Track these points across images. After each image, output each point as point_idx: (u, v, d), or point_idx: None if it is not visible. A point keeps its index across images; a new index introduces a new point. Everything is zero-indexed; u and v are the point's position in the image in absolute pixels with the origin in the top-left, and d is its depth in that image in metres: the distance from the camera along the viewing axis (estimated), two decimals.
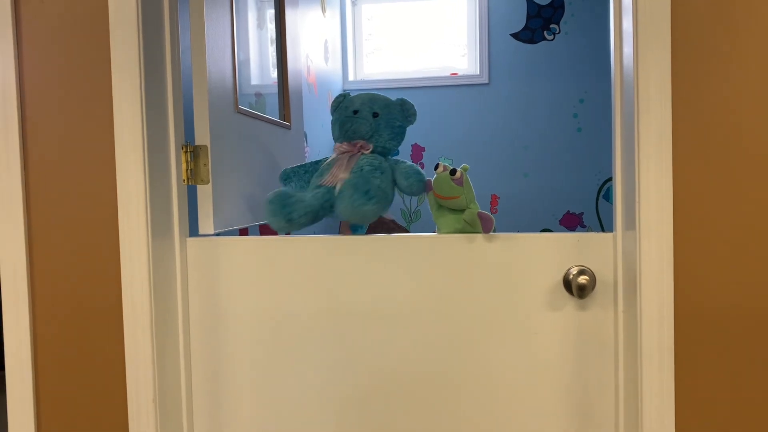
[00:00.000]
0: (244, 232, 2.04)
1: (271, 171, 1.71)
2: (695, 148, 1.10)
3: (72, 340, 1.27)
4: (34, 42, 1.24)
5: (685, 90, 1.09)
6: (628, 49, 1.12)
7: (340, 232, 1.71)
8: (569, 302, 1.22)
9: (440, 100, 3.60)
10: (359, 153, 1.38)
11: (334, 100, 1.49)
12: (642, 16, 1.08)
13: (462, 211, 1.28)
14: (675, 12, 1.09)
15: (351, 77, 3.69)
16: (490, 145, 3.56)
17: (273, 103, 1.95)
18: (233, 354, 1.32)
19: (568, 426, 1.24)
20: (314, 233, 2.43)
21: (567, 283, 1.22)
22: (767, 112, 1.08)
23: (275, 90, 2.02)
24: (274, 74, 2.02)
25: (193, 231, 1.35)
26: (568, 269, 1.22)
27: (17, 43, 1.24)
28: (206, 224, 1.33)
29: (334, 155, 1.42)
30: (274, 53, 2.02)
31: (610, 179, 3.43)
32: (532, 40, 3.51)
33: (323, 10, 3.20)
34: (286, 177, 1.49)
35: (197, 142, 1.33)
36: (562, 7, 3.47)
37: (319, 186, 1.37)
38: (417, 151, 3.63)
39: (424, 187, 1.37)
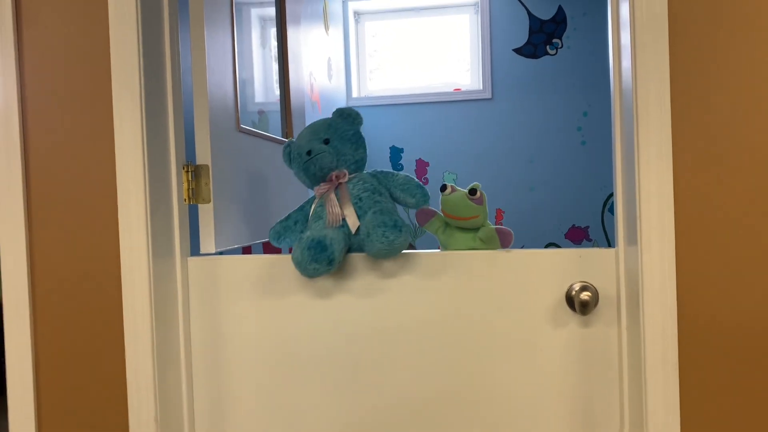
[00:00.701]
0: (247, 250, 2.04)
1: (273, 189, 1.72)
2: (696, 161, 1.09)
3: (73, 360, 1.27)
4: (36, 61, 1.25)
5: (685, 103, 1.09)
6: (626, 63, 1.12)
7: None
8: (572, 319, 1.22)
9: (444, 115, 3.61)
10: (340, 183, 1.30)
11: (284, 153, 1.40)
12: (639, 30, 1.08)
13: (474, 229, 1.27)
14: (673, 25, 1.09)
15: (355, 94, 3.71)
16: (494, 159, 3.56)
17: (276, 120, 1.96)
18: (236, 374, 1.32)
19: None
20: None
21: (569, 300, 1.21)
22: None
23: (278, 108, 2.03)
24: (277, 92, 2.03)
25: (195, 250, 1.35)
26: (571, 285, 1.21)
27: (19, 63, 1.25)
28: (208, 243, 1.33)
29: (317, 199, 1.32)
30: (277, 71, 2.04)
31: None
32: (534, 55, 3.52)
33: (326, 27, 3.23)
34: (278, 236, 1.35)
35: (198, 162, 1.33)
36: (564, 21, 3.48)
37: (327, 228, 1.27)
38: (421, 166, 3.64)
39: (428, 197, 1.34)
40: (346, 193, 1.28)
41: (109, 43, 1.21)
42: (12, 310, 1.26)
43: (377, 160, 3.55)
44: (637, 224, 1.09)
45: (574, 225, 3.51)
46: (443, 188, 1.28)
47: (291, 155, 1.38)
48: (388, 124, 3.58)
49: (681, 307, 1.10)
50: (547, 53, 3.51)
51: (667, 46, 1.08)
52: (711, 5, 1.08)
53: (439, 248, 1.33)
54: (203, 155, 1.33)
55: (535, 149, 3.53)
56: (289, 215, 1.37)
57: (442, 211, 1.29)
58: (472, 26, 3.71)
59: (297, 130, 2.06)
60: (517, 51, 3.54)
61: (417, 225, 3.54)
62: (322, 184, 1.32)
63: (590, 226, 3.50)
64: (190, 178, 1.31)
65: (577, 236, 3.50)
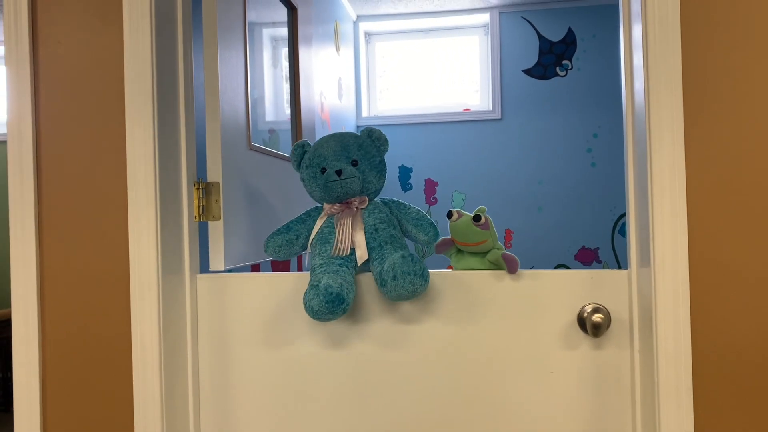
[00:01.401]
0: (255, 267, 2.04)
1: (283, 208, 1.72)
2: (710, 183, 1.08)
3: (80, 375, 1.26)
4: (51, 78, 1.26)
5: (698, 124, 1.08)
6: (639, 84, 1.12)
7: None
8: (584, 341, 1.20)
9: (453, 135, 3.62)
10: (358, 211, 1.26)
11: (294, 152, 1.32)
12: (652, 52, 1.08)
13: (484, 252, 1.26)
14: (686, 47, 1.09)
15: (365, 113, 3.73)
16: (503, 180, 3.56)
17: (286, 139, 1.97)
18: (243, 392, 1.30)
19: None
20: None
21: (581, 321, 1.19)
22: None
23: (288, 126, 2.04)
24: (288, 111, 2.04)
25: (204, 267, 1.35)
26: (583, 307, 1.19)
27: (34, 83, 1.27)
28: (217, 260, 1.33)
29: (324, 216, 1.28)
30: (288, 90, 2.05)
31: (624, 214, 3.40)
32: (544, 76, 3.53)
33: (337, 48, 3.25)
34: (279, 250, 1.28)
35: (209, 179, 1.34)
36: (574, 43, 3.50)
37: (334, 258, 1.23)
38: (430, 186, 3.64)
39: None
40: (360, 221, 1.25)
41: (123, 60, 1.23)
42: (21, 325, 1.26)
43: (387, 179, 3.56)
44: (651, 246, 1.08)
45: (583, 246, 3.48)
46: (449, 215, 1.28)
47: (304, 162, 1.30)
48: (397, 143, 3.59)
49: (695, 331, 1.08)
50: (557, 74, 3.52)
51: (681, 68, 1.08)
52: (724, 27, 1.08)
53: (450, 267, 1.32)
54: (214, 172, 1.33)
55: (545, 170, 3.52)
56: (289, 226, 1.30)
57: (452, 238, 1.29)
58: (482, 47, 3.73)
59: None
60: (527, 72, 3.55)
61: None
62: (336, 204, 1.27)
63: (600, 247, 3.48)
64: (200, 195, 1.31)
65: (587, 258, 3.48)
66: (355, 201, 1.26)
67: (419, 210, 1.32)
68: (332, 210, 1.26)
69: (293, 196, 1.81)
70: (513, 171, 3.55)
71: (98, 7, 1.24)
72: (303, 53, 2.15)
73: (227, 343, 1.31)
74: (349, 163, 1.26)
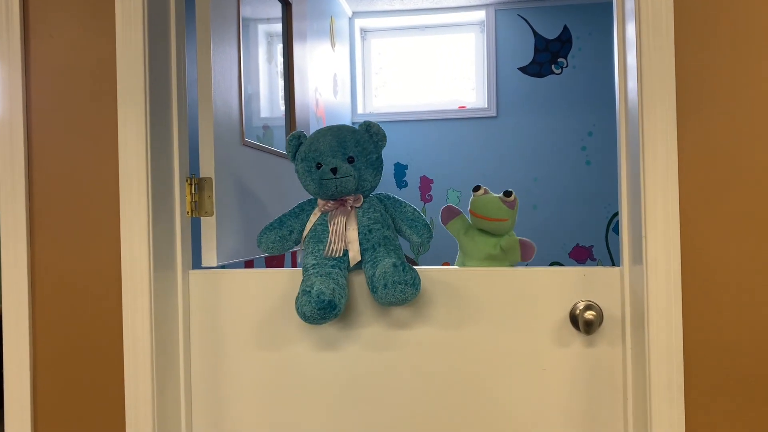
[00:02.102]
0: (249, 263, 2.04)
1: (277, 204, 1.72)
2: (702, 181, 1.08)
3: (71, 372, 1.26)
4: (43, 72, 1.26)
5: (691, 123, 1.09)
6: (632, 83, 1.12)
7: None
8: (576, 338, 1.20)
9: (449, 132, 3.62)
10: (352, 210, 1.24)
11: (290, 143, 1.30)
12: (646, 51, 1.08)
13: (496, 236, 1.26)
14: (679, 46, 1.09)
15: (360, 110, 3.72)
16: (498, 177, 3.56)
17: (281, 135, 1.97)
18: (236, 389, 1.30)
19: None
20: None
21: (574, 319, 1.19)
22: None
23: (283, 123, 2.04)
24: (283, 107, 2.04)
25: (197, 263, 1.35)
26: (575, 304, 1.20)
27: (26, 74, 1.26)
28: (209, 256, 1.33)
29: (318, 213, 1.26)
30: (283, 87, 2.05)
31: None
32: (540, 74, 3.53)
33: (333, 44, 3.25)
34: (273, 245, 1.27)
35: (202, 174, 1.33)
36: (569, 41, 3.50)
37: (326, 258, 1.22)
38: (425, 183, 3.64)
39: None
40: (354, 220, 1.23)
41: (115, 54, 1.22)
42: (11, 321, 1.25)
43: (382, 176, 3.56)
44: (643, 244, 1.08)
45: (578, 244, 3.49)
46: (476, 188, 1.27)
47: (299, 155, 1.27)
48: (392, 140, 3.58)
49: (687, 328, 1.08)
50: (552, 72, 3.52)
51: (674, 66, 1.08)
52: (718, 25, 1.08)
53: (445, 264, 1.32)
54: (207, 168, 1.33)
55: (540, 168, 3.52)
56: (282, 221, 1.28)
57: (470, 211, 1.28)
58: (478, 44, 3.73)
59: None
60: (522, 70, 3.55)
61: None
62: (330, 202, 1.25)
63: (594, 245, 3.48)
64: (193, 191, 1.31)
65: (581, 256, 3.48)
66: (350, 199, 1.25)
67: (415, 209, 1.30)
68: (326, 207, 1.25)
69: (287, 193, 1.81)
70: (508, 169, 3.55)
71: (90, 1, 1.23)
72: (297, 49, 2.14)
73: (220, 340, 1.30)
74: (345, 160, 1.24)
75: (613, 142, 3.44)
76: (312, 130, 2.52)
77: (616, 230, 3.43)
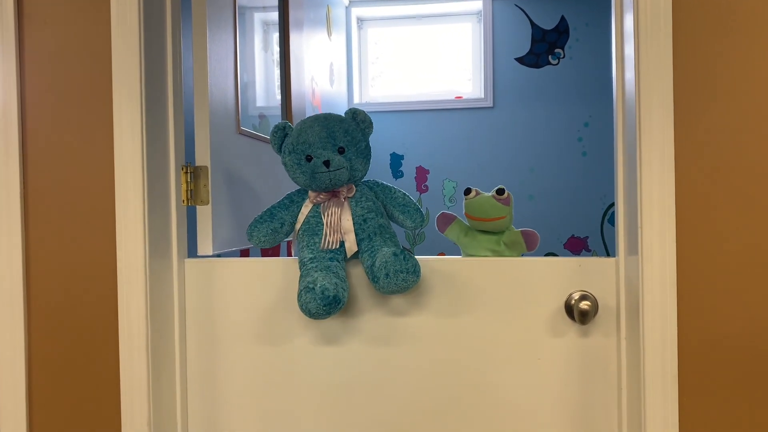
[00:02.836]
0: (245, 252, 2.03)
1: (273, 192, 1.71)
2: (698, 172, 1.09)
3: (66, 362, 1.25)
4: (37, 59, 1.25)
5: (688, 114, 1.09)
6: (629, 74, 1.12)
7: None
8: (571, 328, 1.21)
9: (445, 123, 3.61)
10: (345, 200, 1.23)
11: (274, 135, 1.27)
12: (644, 42, 1.08)
13: (497, 234, 1.26)
14: (677, 37, 1.09)
15: (356, 100, 3.71)
16: (494, 168, 3.55)
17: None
18: (232, 379, 1.30)
19: None
20: None
21: (569, 309, 1.20)
22: None
23: (279, 112, 2.03)
24: (279, 96, 2.03)
25: (192, 252, 1.34)
26: (570, 294, 1.20)
27: (20, 61, 1.25)
28: (205, 245, 1.32)
29: (309, 204, 1.25)
30: (279, 75, 2.03)
31: (614, 203, 3.42)
32: (536, 65, 3.52)
33: (329, 33, 3.23)
34: (265, 239, 1.25)
35: (198, 163, 1.33)
36: (566, 31, 3.49)
37: (323, 250, 1.21)
38: (421, 174, 3.63)
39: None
40: (348, 211, 1.22)
41: (110, 42, 1.21)
42: (6, 311, 1.25)
43: (378, 166, 3.55)
44: (639, 234, 1.09)
45: (573, 235, 3.50)
46: (467, 191, 1.27)
47: (286, 147, 1.25)
48: (388, 130, 3.57)
49: (681, 318, 1.09)
50: (549, 63, 3.51)
51: (671, 58, 1.08)
52: (716, 17, 1.08)
53: (440, 254, 1.32)
54: (203, 157, 1.33)
55: (536, 159, 3.52)
56: (273, 213, 1.26)
57: (466, 214, 1.28)
58: (475, 34, 3.71)
59: None
60: (519, 60, 3.54)
61: (415, 232, 3.53)
62: (322, 193, 1.24)
63: (590, 236, 3.49)
64: (188, 180, 1.30)
65: (577, 246, 3.49)
66: (343, 190, 1.24)
67: (405, 194, 1.30)
68: (318, 199, 1.24)
69: (283, 181, 1.80)
70: (504, 159, 3.55)
71: None
72: (294, 38, 2.13)
73: (215, 329, 1.30)
74: (335, 151, 1.22)
75: (609, 133, 3.44)
76: None
77: (612, 221, 3.43)
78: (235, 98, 1.51)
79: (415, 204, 1.29)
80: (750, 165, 1.08)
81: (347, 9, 3.69)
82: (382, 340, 1.26)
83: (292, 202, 1.28)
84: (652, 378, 1.08)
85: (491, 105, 3.55)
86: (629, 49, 1.12)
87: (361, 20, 3.81)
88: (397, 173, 3.65)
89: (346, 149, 1.23)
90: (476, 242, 1.27)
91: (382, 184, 1.31)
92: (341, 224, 1.21)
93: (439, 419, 1.25)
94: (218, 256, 1.37)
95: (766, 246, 1.08)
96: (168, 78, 1.27)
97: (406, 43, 3.82)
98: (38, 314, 1.26)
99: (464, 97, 3.65)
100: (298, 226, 1.26)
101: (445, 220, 1.31)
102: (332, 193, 1.24)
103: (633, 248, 1.12)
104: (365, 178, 1.32)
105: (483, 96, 3.58)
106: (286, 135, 1.27)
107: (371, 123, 1.28)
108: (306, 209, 1.25)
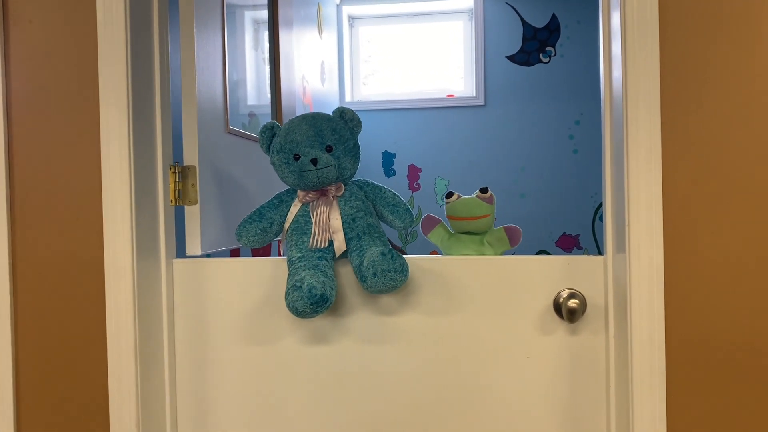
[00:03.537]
0: (235, 252, 2.03)
1: (262, 192, 1.71)
2: (685, 170, 1.09)
3: (54, 363, 1.25)
4: (23, 58, 1.24)
5: (675, 112, 1.09)
6: (617, 72, 1.12)
7: None
8: (560, 326, 1.21)
9: (437, 121, 3.61)
10: (334, 199, 1.24)
11: (263, 135, 1.27)
12: (630, 39, 1.08)
13: (480, 233, 1.26)
14: (663, 35, 1.09)
15: (348, 98, 3.71)
16: (486, 166, 3.56)
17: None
18: (220, 379, 1.30)
19: None
20: None
21: (557, 307, 1.20)
22: (758, 135, 1.08)
23: (269, 111, 2.02)
24: (269, 95, 2.02)
25: (181, 252, 1.34)
26: (559, 292, 1.20)
27: (5, 61, 1.24)
28: (194, 245, 1.32)
29: (298, 204, 1.25)
30: (269, 74, 2.03)
31: None
32: (527, 63, 3.53)
33: (320, 31, 3.22)
34: (254, 239, 1.25)
35: (186, 162, 1.32)
36: (557, 30, 3.49)
37: (311, 249, 1.21)
38: (413, 172, 3.63)
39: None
40: (336, 210, 1.22)
41: (96, 40, 1.20)
42: None
43: (370, 165, 3.54)
44: (626, 232, 1.09)
45: (564, 233, 3.51)
46: (449, 195, 1.28)
47: (275, 146, 1.24)
48: (380, 129, 3.57)
49: (669, 316, 1.09)
50: (540, 61, 3.51)
51: (658, 56, 1.08)
52: (702, 15, 1.09)
53: (432, 253, 1.32)
54: (191, 156, 1.32)
55: (527, 157, 3.53)
56: (261, 213, 1.25)
57: (449, 217, 1.28)
58: (466, 33, 3.72)
59: None
60: (511, 58, 3.54)
61: (407, 230, 3.53)
62: (311, 192, 1.24)
63: (581, 234, 3.50)
64: (176, 179, 1.30)
65: (568, 244, 3.50)
66: (332, 189, 1.24)
67: (395, 194, 1.30)
68: (307, 198, 1.24)
69: (272, 181, 1.79)
70: (496, 157, 3.55)
71: None
72: (284, 36, 2.12)
73: (204, 330, 1.30)
74: (323, 149, 1.22)
75: (600, 131, 3.45)
76: None
77: (602, 219, 3.45)
78: (224, 97, 1.51)
79: (404, 204, 1.29)
80: (737, 163, 1.08)
81: (338, 7, 3.68)
82: (371, 339, 1.26)
83: (282, 201, 1.28)
84: (640, 375, 1.09)
85: (483, 103, 3.56)
86: (617, 48, 1.12)
87: (352, 18, 3.80)
88: (389, 172, 3.65)
89: (334, 148, 1.23)
90: (460, 243, 1.28)
91: (372, 183, 1.31)
92: (330, 223, 1.21)
93: (428, 418, 1.25)
94: (207, 256, 1.37)
95: (752, 243, 1.08)
96: (155, 76, 1.27)
97: (398, 41, 3.82)
98: (25, 314, 1.25)
99: (456, 95, 3.65)
100: (287, 225, 1.25)
101: (430, 223, 1.32)
102: (321, 191, 1.24)
103: (621, 246, 1.12)
104: (355, 178, 1.32)
105: (475, 94, 3.58)
106: (274, 135, 1.27)
107: (360, 122, 1.28)
108: (295, 208, 1.25)
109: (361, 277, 1.15)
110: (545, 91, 3.51)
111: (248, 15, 1.83)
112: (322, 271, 1.16)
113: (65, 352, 1.24)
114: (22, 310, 1.25)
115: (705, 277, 1.09)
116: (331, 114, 1.28)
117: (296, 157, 1.22)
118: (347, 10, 3.72)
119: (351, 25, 3.80)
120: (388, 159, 3.65)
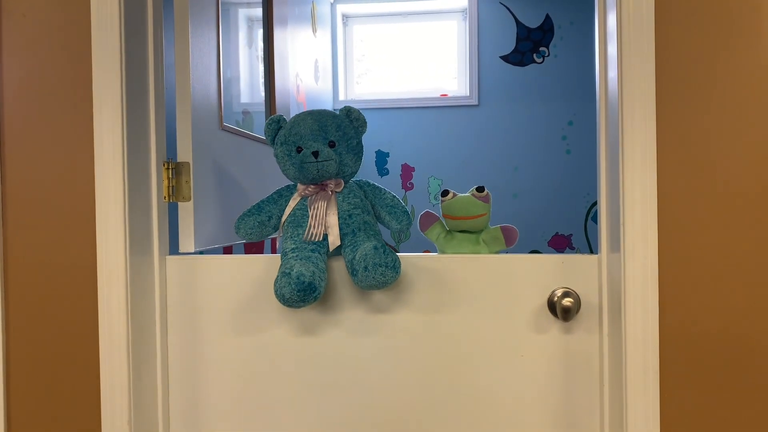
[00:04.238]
0: (228, 250, 2.02)
1: (256, 189, 1.70)
2: (680, 170, 1.09)
3: (45, 360, 1.24)
4: (15, 54, 1.23)
5: (670, 113, 1.09)
6: (612, 72, 1.13)
7: None
8: (554, 325, 1.21)
9: (430, 121, 3.61)
10: (332, 194, 1.24)
11: (269, 127, 1.28)
12: (626, 41, 1.09)
13: (475, 233, 1.26)
14: (659, 36, 1.09)
15: (341, 97, 3.70)
16: (479, 165, 3.57)
17: (261, 121, 1.94)
18: (213, 377, 1.29)
19: None
20: None
21: (551, 306, 1.20)
22: (752, 135, 1.08)
23: (263, 108, 2.02)
24: (263, 93, 2.02)
25: (174, 249, 1.33)
26: (553, 291, 1.20)
27: None
28: (187, 242, 1.31)
29: (297, 197, 1.26)
30: (263, 72, 2.02)
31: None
32: (521, 63, 3.53)
33: (314, 29, 3.22)
34: (252, 232, 1.26)
35: (179, 159, 1.31)
36: (551, 30, 3.50)
37: (306, 242, 1.21)
38: (407, 171, 3.63)
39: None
40: (334, 205, 1.23)
41: (90, 36, 1.19)
42: None
43: (363, 163, 3.54)
44: (621, 231, 1.09)
45: (557, 233, 3.52)
46: (445, 193, 1.27)
47: (279, 138, 1.26)
48: (374, 128, 3.57)
49: (663, 315, 1.10)
50: (533, 61, 3.52)
51: (654, 56, 1.08)
52: (698, 16, 1.09)
53: (425, 251, 1.32)
54: (184, 152, 1.31)
55: (520, 157, 3.54)
56: (261, 207, 1.27)
57: (445, 215, 1.28)
58: (460, 32, 3.72)
59: None
60: (504, 58, 3.55)
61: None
62: (310, 186, 1.25)
63: (573, 234, 3.51)
64: (170, 176, 1.29)
65: (561, 244, 3.51)
66: (331, 184, 1.24)
67: (394, 196, 1.30)
68: (306, 191, 1.24)
69: (266, 178, 1.79)
70: (489, 157, 3.56)
71: None
72: (278, 34, 2.12)
73: (197, 327, 1.29)
74: (326, 144, 1.23)
75: (593, 131, 3.46)
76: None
77: (595, 219, 3.46)
78: (218, 94, 1.50)
79: (402, 206, 1.29)
80: (731, 163, 1.09)
81: (332, 6, 3.68)
82: (363, 336, 1.25)
83: (281, 196, 1.29)
84: (634, 373, 1.09)
85: (476, 103, 3.56)
86: (612, 48, 1.12)
87: (346, 17, 3.80)
88: (382, 171, 3.65)
89: (336, 144, 1.24)
90: (455, 241, 1.28)
91: (372, 184, 1.31)
92: (326, 217, 1.22)
93: (420, 415, 1.25)
94: (201, 253, 1.36)
95: (746, 243, 1.09)
96: (149, 73, 1.26)
97: (392, 40, 3.82)
98: (17, 311, 1.24)
99: (450, 95, 3.66)
100: (284, 218, 1.26)
101: (428, 220, 1.31)
102: (321, 186, 1.24)
103: (615, 245, 1.13)
104: (356, 178, 1.32)
105: (468, 94, 3.59)
106: (280, 127, 1.28)
107: (365, 122, 1.30)
108: (293, 202, 1.26)
109: (353, 271, 1.15)
110: (539, 92, 3.52)
111: (243, 12, 1.83)
112: (313, 263, 1.16)
113: (57, 348, 1.23)
114: (14, 307, 1.24)
115: (699, 276, 1.10)
116: (337, 112, 1.29)
117: (299, 150, 1.23)
118: (341, 8, 3.72)
119: (345, 24, 3.80)
120: (381, 158, 3.65)
